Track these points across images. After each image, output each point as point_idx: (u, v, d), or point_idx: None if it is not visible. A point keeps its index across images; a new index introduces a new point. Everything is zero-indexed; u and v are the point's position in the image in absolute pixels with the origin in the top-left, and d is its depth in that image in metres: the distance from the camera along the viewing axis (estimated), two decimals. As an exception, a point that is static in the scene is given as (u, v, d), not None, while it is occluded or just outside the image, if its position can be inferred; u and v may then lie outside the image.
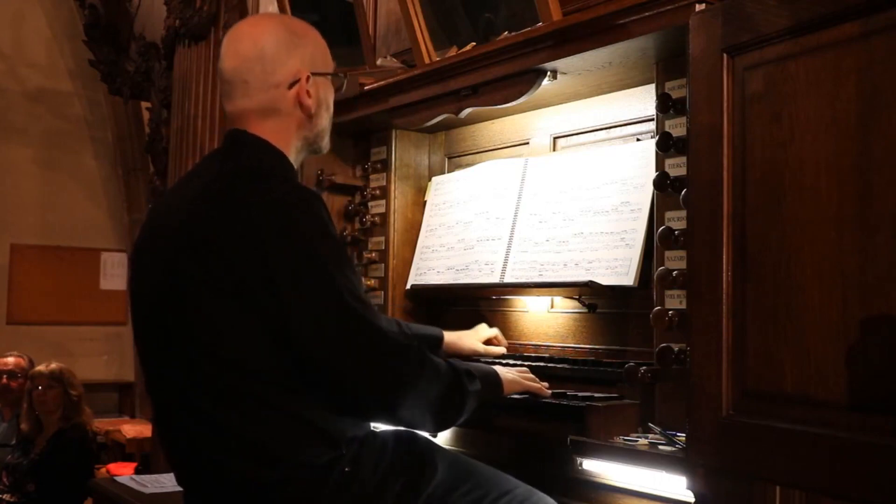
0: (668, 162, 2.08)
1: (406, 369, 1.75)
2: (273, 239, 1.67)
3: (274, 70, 1.86)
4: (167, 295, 1.75)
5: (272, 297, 1.66)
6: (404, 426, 1.88)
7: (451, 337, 2.52)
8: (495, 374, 2.05)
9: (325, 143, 2.00)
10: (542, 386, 2.17)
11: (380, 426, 1.94)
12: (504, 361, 2.42)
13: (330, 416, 1.75)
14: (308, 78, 1.89)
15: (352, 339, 1.71)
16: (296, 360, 1.70)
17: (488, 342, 2.58)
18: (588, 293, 2.42)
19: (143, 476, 3.12)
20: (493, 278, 2.60)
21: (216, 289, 1.68)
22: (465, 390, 1.87)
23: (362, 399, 1.76)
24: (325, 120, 1.97)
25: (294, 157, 1.92)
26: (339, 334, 1.70)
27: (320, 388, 1.73)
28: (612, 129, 2.53)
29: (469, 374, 1.91)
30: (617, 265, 2.27)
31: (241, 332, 1.69)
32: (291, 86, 1.87)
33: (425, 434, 2.01)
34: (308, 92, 1.89)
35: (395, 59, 3.12)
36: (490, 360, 2.47)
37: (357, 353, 1.71)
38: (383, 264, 3.02)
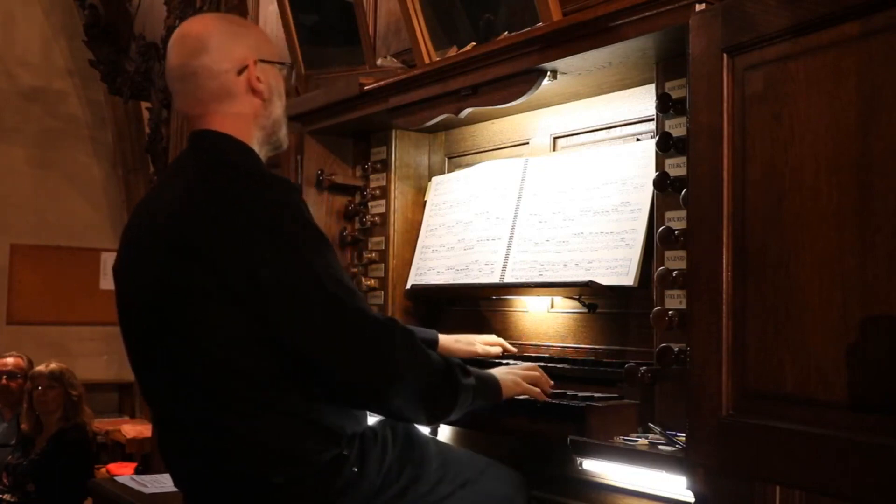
0: (668, 162, 2.08)
1: (393, 351, 1.76)
2: (254, 236, 1.69)
3: (221, 58, 1.88)
4: (156, 301, 1.76)
5: (257, 293, 1.67)
6: (396, 415, 1.87)
7: (446, 340, 2.49)
8: (494, 378, 2.05)
9: (283, 134, 2.00)
10: (544, 387, 2.16)
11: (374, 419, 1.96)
12: (504, 361, 2.42)
13: (327, 411, 1.76)
14: (255, 63, 1.90)
15: (335, 324, 1.72)
16: (285, 353, 1.71)
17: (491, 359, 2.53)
18: (588, 293, 2.42)
19: (143, 476, 3.12)
20: (493, 278, 2.60)
21: (203, 291, 1.69)
22: (458, 382, 1.87)
23: (352, 385, 1.76)
24: (278, 108, 1.97)
25: (257, 148, 1.93)
26: (322, 320, 1.71)
27: (313, 382, 1.74)
28: (612, 129, 2.53)
29: (462, 369, 1.91)
30: (617, 265, 2.27)
31: (230, 332, 1.70)
32: (241, 72, 1.89)
33: (420, 428, 2.02)
34: (258, 77, 1.91)
35: (395, 59, 3.12)
36: (494, 361, 2.47)
37: (342, 337, 1.72)
38: (383, 264, 3.02)
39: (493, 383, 2.03)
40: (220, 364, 1.71)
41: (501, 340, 2.57)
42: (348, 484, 1.76)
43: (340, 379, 1.75)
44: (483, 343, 2.53)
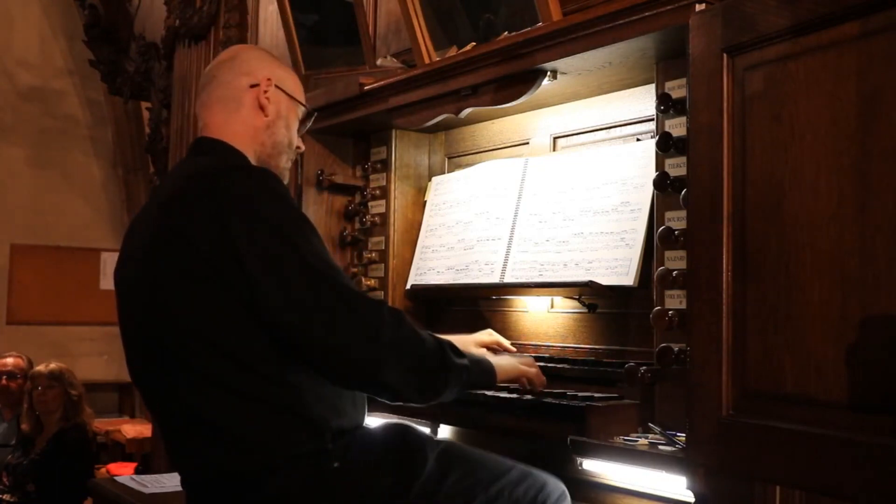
0: (668, 162, 2.08)
1: (382, 325, 1.75)
2: (236, 219, 1.71)
3: (241, 70, 1.99)
4: (153, 293, 1.78)
5: (241, 274, 1.69)
6: (390, 393, 1.84)
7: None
8: (487, 360, 2.05)
9: (283, 165, 2.05)
10: (540, 376, 2.15)
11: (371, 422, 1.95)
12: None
13: (311, 403, 1.76)
14: (269, 82, 1.99)
15: (320, 300, 1.72)
16: (274, 336, 1.72)
17: (487, 349, 2.48)
18: (588, 293, 2.42)
19: (143, 476, 3.12)
20: (493, 278, 2.60)
21: (194, 276, 1.72)
22: (450, 360, 1.86)
23: (341, 359, 1.75)
24: (282, 135, 2.03)
25: (253, 162, 1.97)
26: (306, 296, 1.71)
27: (300, 373, 1.75)
28: (612, 129, 2.53)
29: (454, 349, 1.90)
30: (617, 265, 2.27)
31: (222, 317, 1.72)
32: (253, 86, 1.98)
33: (418, 427, 2.00)
34: (268, 98, 1.98)
35: (395, 59, 3.12)
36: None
37: (327, 312, 1.72)
38: (383, 264, 3.02)
39: (487, 365, 2.02)
40: (211, 349, 1.72)
41: (499, 337, 2.54)
42: (328, 480, 1.76)
43: (329, 354, 1.74)
44: (478, 342, 2.50)
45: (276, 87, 2.00)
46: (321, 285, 1.73)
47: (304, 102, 2.10)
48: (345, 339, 1.73)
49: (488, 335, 2.51)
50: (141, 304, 1.83)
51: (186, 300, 1.73)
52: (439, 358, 1.85)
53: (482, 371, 2.00)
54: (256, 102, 1.97)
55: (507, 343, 2.53)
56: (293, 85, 2.07)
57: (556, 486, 1.98)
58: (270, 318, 1.71)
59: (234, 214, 1.71)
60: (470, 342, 2.46)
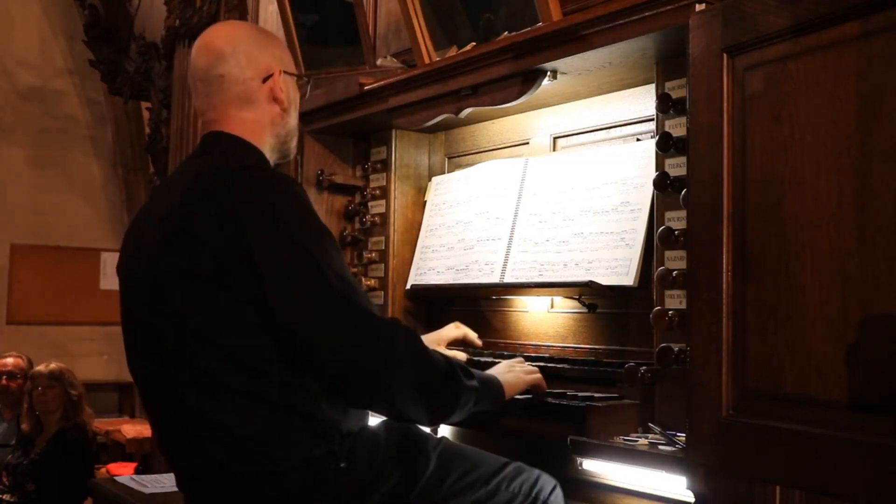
0: (668, 162, 2.08)
1: (392, 347, 1.75)
2: (253, 224, 1.69)
3: (248, 63, 1.93)
4: (156, 289, 1.77)
5: (255, 281, 1.67)
6: (397, 414, 1.85)
7: None
8: (496, 380, 2.04)
9: (294, 144, 2.05)
10: (541, 379, 2.17)
11: (372, 420, 1.94)
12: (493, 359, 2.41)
13: (320, 407, 1.75)
14: (280, 73, 1.96)
15: (334, 318, 1.71)
16: (283, 345, 1.70)
17: (457, 343, 2.48)
18: (588, 293, 2.42)
19: (143, 476, 3.12)
20: (493, 278, 2.60)
21: (199, 277, 1.71)
22: (460, 382, 1.86)
23: (350, 381, 1.75)
24: (294, 119, 2.03)
25: (268, 154, 1.96)
26: (321, 313, 1.70)
27: (309, 376, 1.74)
28: (612, 129, 2.53)
29: (465, 370, 1.91)
30: (617, 265, 2.27)
31: (228, 319, 1.70)
32: (265, 80, 1.94)
33: (419, 426, 2.00)
34: (281, 88, 1.96)
35: (395, 59, 3.12)
36: (491, 357, 2.47)
37: (341, 331, 1.71)
38: (383, 264, 3.02)
39: (496, 385, 2.03)
40: (217, 351, 1.71)
41: (466, 330, 2.49)
42: (334, 481, 1.75)
43: (341, 373, 1.74)
44: (447, 339, 2.44)
45: (284, 73, 1.97)
46: (335, 303, 1.71)
47: (301, 74, 2.09)
48: (356, 360, 1.73)
49: (455, 329, 2.49)
50: (143, 302, 1.82)
51: (190, 299, 1.72)
52: (450, 382, 1.85)
53: (491, 391, 2.00)
54: (270, 95, 1.94)
55: (474, 336, 2.49)
56: (290, 60, 2.04)
57: (550, 480, 2.01)
58: (283, 329, 1.69)
59: (249, 218, 1.69)
60: (439, 339, 2.44)
